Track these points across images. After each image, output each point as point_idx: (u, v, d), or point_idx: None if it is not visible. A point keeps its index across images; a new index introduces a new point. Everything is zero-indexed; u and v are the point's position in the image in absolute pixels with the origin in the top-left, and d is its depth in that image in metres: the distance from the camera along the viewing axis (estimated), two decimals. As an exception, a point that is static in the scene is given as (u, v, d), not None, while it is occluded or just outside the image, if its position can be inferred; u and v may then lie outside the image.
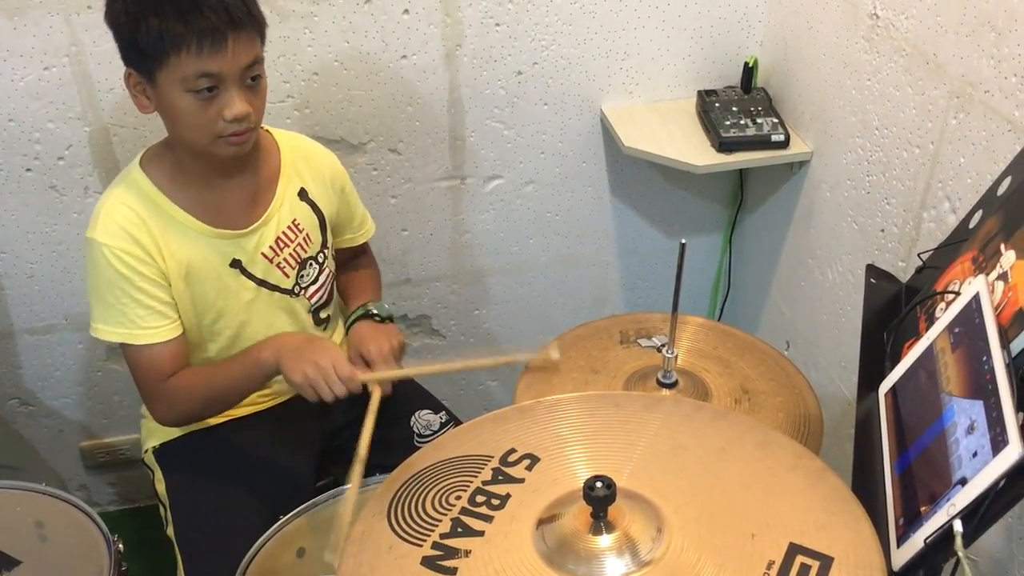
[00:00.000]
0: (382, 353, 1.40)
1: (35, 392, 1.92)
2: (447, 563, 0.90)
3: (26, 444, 1.98)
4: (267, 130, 1.43)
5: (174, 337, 1.35)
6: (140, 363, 1.35)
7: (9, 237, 1.73)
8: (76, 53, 1.58)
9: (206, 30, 1.19)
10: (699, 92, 1.86)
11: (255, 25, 1.25)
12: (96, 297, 1.33)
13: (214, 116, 1.24)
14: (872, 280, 1.26)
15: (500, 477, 0.99)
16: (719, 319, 2.20)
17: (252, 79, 1.26)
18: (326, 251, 1.50)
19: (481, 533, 0.92)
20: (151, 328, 1.33)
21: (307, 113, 1.74)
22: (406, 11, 1.68)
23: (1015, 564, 1.35)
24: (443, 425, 1.57)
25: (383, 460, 1.30)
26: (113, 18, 1.24)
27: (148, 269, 1.31)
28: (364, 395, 1.56)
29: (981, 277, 0.99)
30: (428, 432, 1.56)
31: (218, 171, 1.35)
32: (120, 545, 1.30)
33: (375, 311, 1.51)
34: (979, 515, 0.85)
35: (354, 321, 1.51)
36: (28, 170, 1.68)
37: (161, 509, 1.46)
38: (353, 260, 1.62)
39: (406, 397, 1.61)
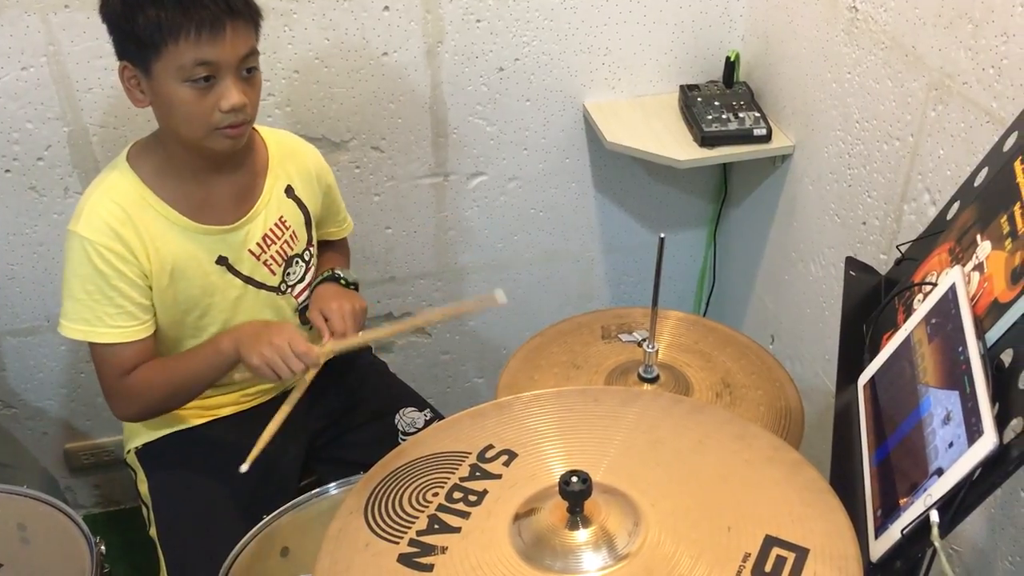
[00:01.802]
0: (342, 312, 1.40)
1: (18, 394, 1.92)
2: (424, 560, 0.89)
3: (13, 444, 1.97)
4: (254, 127, 1.43)
5: (141, 338, 1.34)
6: (103, 360, 1.35)
7: (-11, 239, 1.73)
8: (54, 53, 1.57)
9: (205, 18, 1.19)
10: (681, 87, 1.86)
11: (252, 16, 1.26)
12: (67, 292, 1.33)
13: (210, 107, 1.24)
14: (852, 272, 1.27)
15: (477, 473, 0.99)
16: (704, 314, 2.20)
17: (248, 71, 1.26)
18: (312, 249, 1.50)
19: (458, 530, 0.92)
20: (118, 327, 1.32)
21: (288, 111, 1.73)
22: (386, 8, 1.68)
23: (998, 554, 1.35)
24: (428, 422, 1.57)
25: (368, 458, 1.30)
26: (109, 11, 1.24)
27: (128, 268, 1.31)
28: (343, 397, 1.57)
29: (957, 268, 1.00)
30: (412, 430, 1.55)
31: (207, 167, 1.34)
32: (102, 547, 1.30)
33: (341, 275, 1.51)
34: (955, 505, 0.85)
35: (320, 283, 1.51)
36: (7, 171, 1.67)
37: (144, 510, 1.46)
38: (328, 244, 1.62)
39: (390, 395, 1.61)
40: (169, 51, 1.20)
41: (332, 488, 1.34)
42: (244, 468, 1.20)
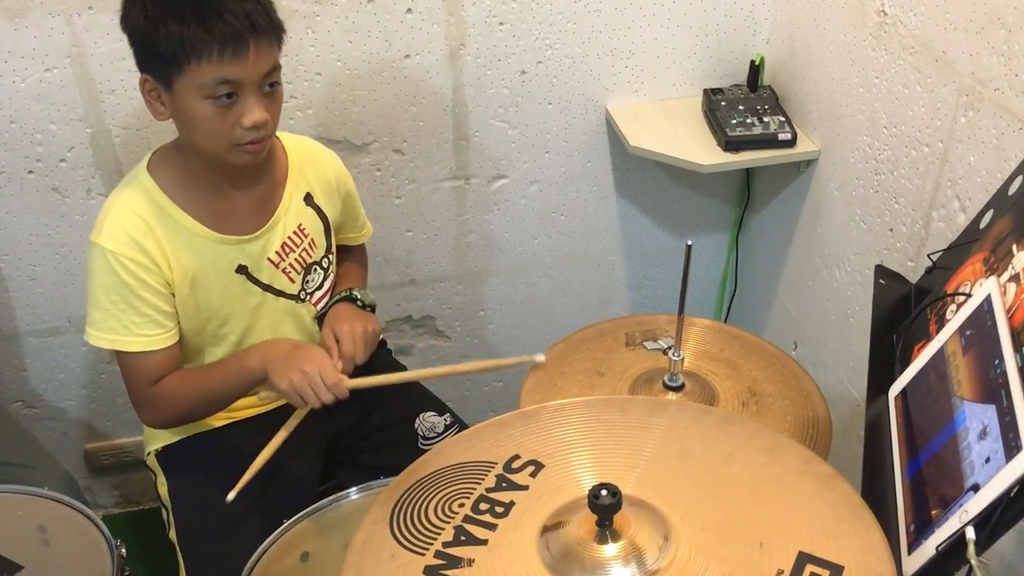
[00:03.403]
0: (353, 334, 1.39)
1: (39, 394, 1.92)
2: (450, 572, 0.88)
3: (34, 444, 1.98)
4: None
5: (167, 346, 1.34)
6: (131, 369, 1.35)
7: (12, 239, 1.73)
8: (78, 54, 1.57)
9: (228, 36, 1.17)
10: (705, 91, 1.84)
11: (275, 31, 1.25)
12: (93, 302, 1.32)
13: (232, 124, 1.23)
14: (881, 281, 1.25)
15: (504, 484, 0.98)
16: (726, 319, 2.18)
17: (270, 86, 1.25)
18: (330, 256, 1.49)
19: (484, 542, 0.91)
20: (145, 336, 1.32)
21: (310, 114, 1.73)
22: (409, 10, 1.67)
23: (1027, 568, 1.33)
24: (447, 427, 1.56)
25: (387, 462, 1.30)
26: (130, 23, 1.23)
27: (151, 277, 1.31)
28: (363, 401, 1.56)
29: (993, 278, 0.98)
30: (432, 434, 1.55)
31: (228, 177, 1.34)
32: (123, 550, 1.29)
33: (358, 296, 1.50)
34: (992, 522, 0.83)
35: (336, 302, 1.50)
36: (30, 172, 1.67)
37: (163, 512, 1.46)
38: (346, 253, 1.61)
39: (410, 399, 1.61)
40: (191, 69, 1.19)
41: (353, 493, 1.34)
42: (231, 498, 1.21)
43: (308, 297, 1.47)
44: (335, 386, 1.27)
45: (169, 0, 1.19)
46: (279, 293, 1.43)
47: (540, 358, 1.33)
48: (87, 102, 1.62)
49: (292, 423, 1.30)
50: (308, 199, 1.44)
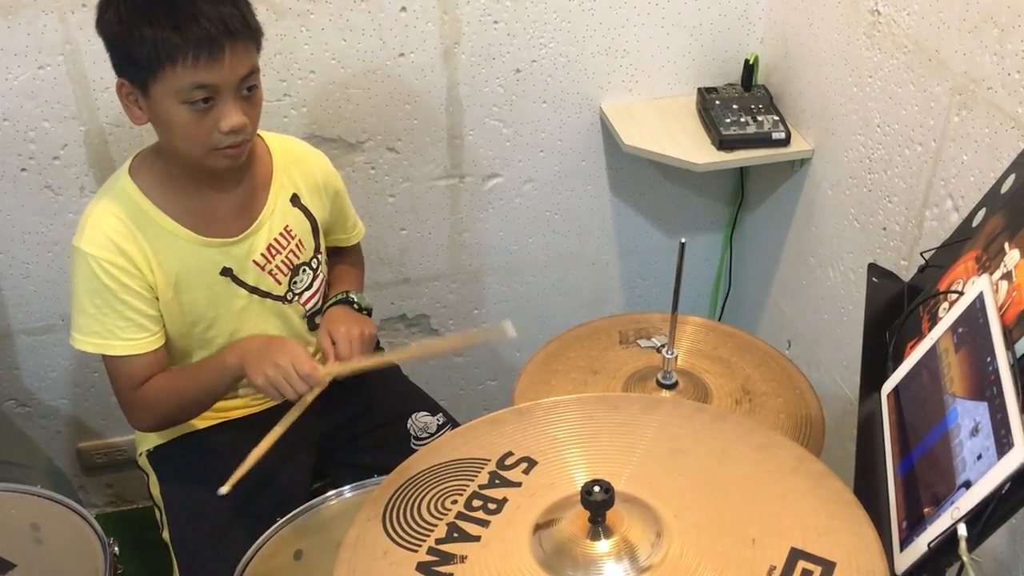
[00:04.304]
0: (349, 336, 1.39)
1: (32, 393, 1.92)
2: (443, 569, 0.88)
3: (27, 443, 1.97)
4: (259, 134, 1.41)
5: (152, 350, 1.34)
6: (117, 373, 1.35)
7: (5, 237, 1.72)
8: (71, 52, 1.57)
9: (203, 40, 1.16)
10: (699, 89, 1.84)
11: (251, 34, 1.23)
12: (77, 306, 1.32)
13: (210, 128, 1.22)
14: (874, 279, 1.25)
15: (497, 481, 0.98)
16: (719, 318, 2.18)
17: (248, 89, 1.24)
18: (319, 256, 1.49)
19: (477, 538, 0.91)
20: (129, 340, 1.32)
21: (304, 112, 1.73)
22: (403, 8, 1.67)
23: (1019, 565, 1.33)
24: (440, 427, 1.56)
25: (380, 462, 1.29)
26: (105, 28, 1.22)
27: (133, 281, 1.30)
28: (356, 401, 1.56)
29: (985, 276, 0.98)
30: (425, 434, 1.55)
31: (209, 181, 1.33)
32: (116, 548, 1.29)
33: (355, 299, 1.50)
34: (984, 519, 0.83)
35: (332, 305, 1.49)
36: (23, 170, 1.66)
37: (156, 512, 1.45)
38: (341, 255, 1.61)
39: (403, 399, 1.61)
40: (167, 74, 1.18)
41: (346, 491, 1.34)
42: (224, 490, 1.21)
43: (296, 298, 1.46)
44: (309, 376, 1.26)
45: (142, 4, 1.17)
46: (265, 295, 1.42)
47: (511, 333, 1.23)
48: (80, 100, 1.62)
49: (288, 419, 1.30)
50: (295, 200, 1.43)
